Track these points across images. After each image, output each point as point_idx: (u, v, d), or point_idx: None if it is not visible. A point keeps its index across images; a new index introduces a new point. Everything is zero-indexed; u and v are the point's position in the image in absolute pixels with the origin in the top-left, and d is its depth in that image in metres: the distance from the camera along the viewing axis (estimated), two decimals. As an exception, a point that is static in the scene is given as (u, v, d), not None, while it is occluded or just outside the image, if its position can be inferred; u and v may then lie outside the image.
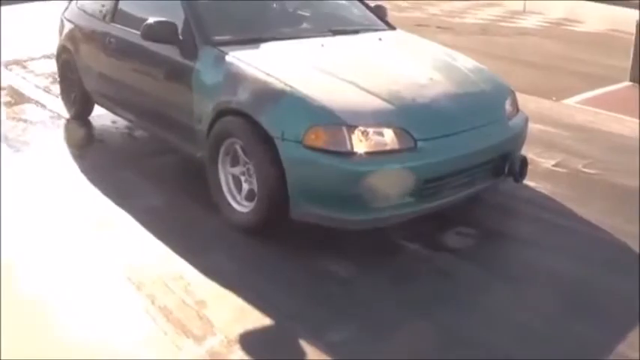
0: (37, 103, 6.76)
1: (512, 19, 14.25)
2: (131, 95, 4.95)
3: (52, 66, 8.03)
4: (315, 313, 3.07)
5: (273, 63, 3.90)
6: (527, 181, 4.40)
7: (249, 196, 3.76)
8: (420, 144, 3.46)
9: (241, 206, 3.81)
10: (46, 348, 2.77)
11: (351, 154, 3.34)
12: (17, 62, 8.65)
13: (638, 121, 6.18)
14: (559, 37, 11.96)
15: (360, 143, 3.35)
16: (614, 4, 13.40)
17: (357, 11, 5.18)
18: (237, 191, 3.85)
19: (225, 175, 3.90)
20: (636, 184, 4.59)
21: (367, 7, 5.23)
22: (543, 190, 4.49)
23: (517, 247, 3.85)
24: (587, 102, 7.00)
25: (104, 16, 5.31)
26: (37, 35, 9.96)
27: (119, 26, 5.04)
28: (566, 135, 5.76)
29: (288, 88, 3.59)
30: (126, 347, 2.79)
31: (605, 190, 4.57)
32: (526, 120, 4.23)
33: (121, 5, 5.16)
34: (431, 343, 2.86)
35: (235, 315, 3.02)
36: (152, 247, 3.66)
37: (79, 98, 5.86)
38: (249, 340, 2.84)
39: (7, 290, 3.18)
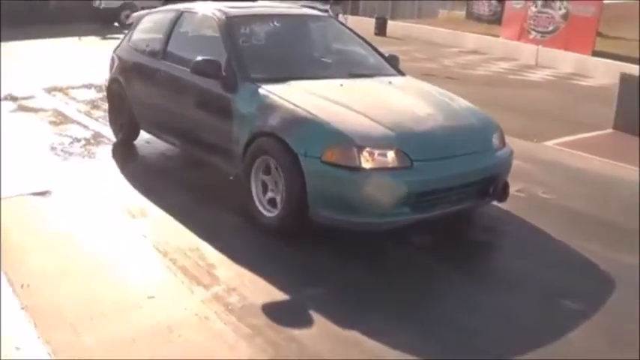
0: (79, 124, 7.82)
1: (521, 73, 15.07)
2: (178, 122, 5.81)
3: (91, 94, 9.30)
4: (297, 279, 3.98)
5: (299, 96, 4.74)
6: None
7: (271, 203, 4.59)
8: (415, 164, 4.27)
9: (269, 212, 4.63)
10: (94, 289, 3.78)
11: (359, 169, 4.17)
12: (59, 89, 9.89)
13: (603, 159, 7.04)
14: (562, 90, 12.76)
15: (366, 161, 4.18)
16: (629, 62, 13.77)
17: (373, 59, 6.03)
18: (265, 199, 4.67)
19: (256, 186, 4.72)
20: (584, 209, 5.45)
21: (382, 56, 6.07)
22: (502, 208, 5.20)
23: (469, 246, 4.73)
24: (566, 144, 7.81)
25: (155, 54, 6.21)
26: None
27: (168, 63, 5.93)
28: (534, 169, 6.58)
29: (310, 116, 4.45)
30: (153, 289, 3.79)
31: (557, 211, 5.39)
32: (511, 152, 5.00)
33: (170, 45, 6.07)
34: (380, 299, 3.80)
35: (237, 275, 3.98)
36: (176, 230, 4.66)
37: (126, 125, 6.69)
38: (244, 289, 3.79)
39: (67, 252, 4.28)
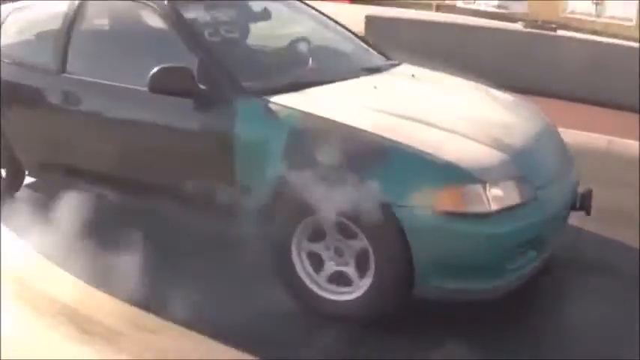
0: None
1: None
2: (105, 163, 3.98)
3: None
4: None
5: (347, 112, 3.21)
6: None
7: (340, 281, 3.14)
8: (539, 193, 3.06)
9: (337, 295, 3.14)
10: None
11: (489, 214, 2.87)
12: None
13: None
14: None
15: (493, 202, 2.88)
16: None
17: (359, 44, 4.58)
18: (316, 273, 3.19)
19: (301, 259, 3.19)
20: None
21: (359, 38, 4.67)
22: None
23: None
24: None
25: (46, 67, 4.21)
26: None
27: (76, 77, 4.04)
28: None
29: (391, 143, 2.99)
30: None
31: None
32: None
33: (72, 53, 4.11)
34: None
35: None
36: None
37: (6, 168, 4.64)
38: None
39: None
